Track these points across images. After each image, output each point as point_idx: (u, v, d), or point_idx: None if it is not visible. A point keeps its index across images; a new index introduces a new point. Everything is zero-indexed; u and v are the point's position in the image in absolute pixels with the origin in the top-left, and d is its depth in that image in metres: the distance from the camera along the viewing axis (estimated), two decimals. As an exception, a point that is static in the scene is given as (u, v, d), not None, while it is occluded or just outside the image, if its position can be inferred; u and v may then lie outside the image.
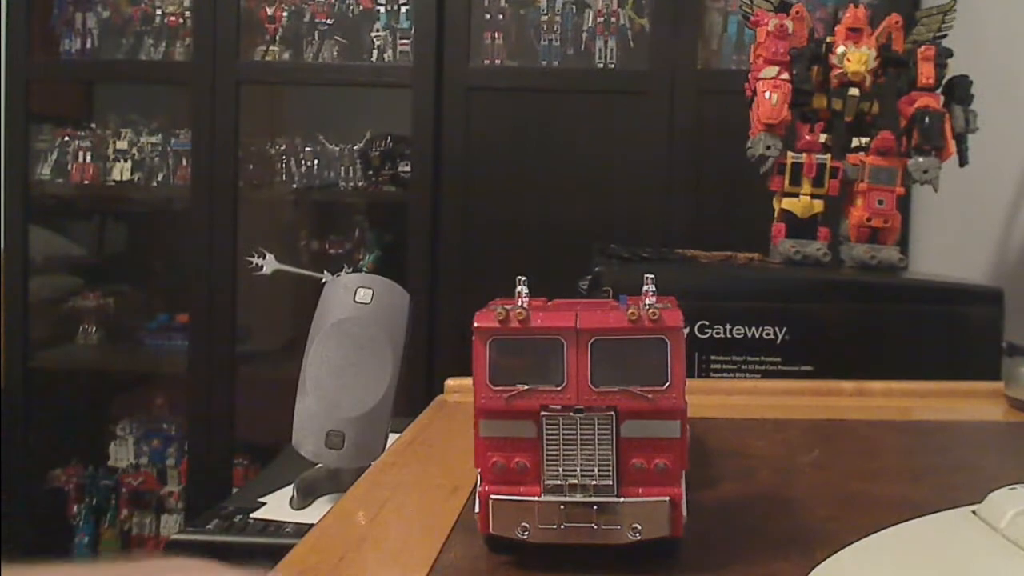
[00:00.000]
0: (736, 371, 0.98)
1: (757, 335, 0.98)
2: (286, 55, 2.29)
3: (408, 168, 2.20)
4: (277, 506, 1.01)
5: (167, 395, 2.43)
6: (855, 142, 1.17)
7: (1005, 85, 1.37)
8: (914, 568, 0.39)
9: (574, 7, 2.19)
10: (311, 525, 0.50)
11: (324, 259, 2.37)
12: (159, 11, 2.32)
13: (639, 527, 0.40)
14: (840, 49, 1.14)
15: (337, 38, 2.28)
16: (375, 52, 2.24)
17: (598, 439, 0.40)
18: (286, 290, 2.28)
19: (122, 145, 2.37)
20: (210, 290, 2.22)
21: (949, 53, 1.14)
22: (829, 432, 0.71)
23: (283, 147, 2.35)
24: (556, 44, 2.19)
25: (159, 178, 2.36)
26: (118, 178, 2.36)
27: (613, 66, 2.18)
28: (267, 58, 2.28)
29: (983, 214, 1.48)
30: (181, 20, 2.31)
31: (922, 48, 1.14)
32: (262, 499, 1.03)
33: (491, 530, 0.42)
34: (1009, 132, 1.35)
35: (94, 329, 2.45)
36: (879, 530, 0.42)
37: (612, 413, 0.40)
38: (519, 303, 0.41)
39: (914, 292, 1.06)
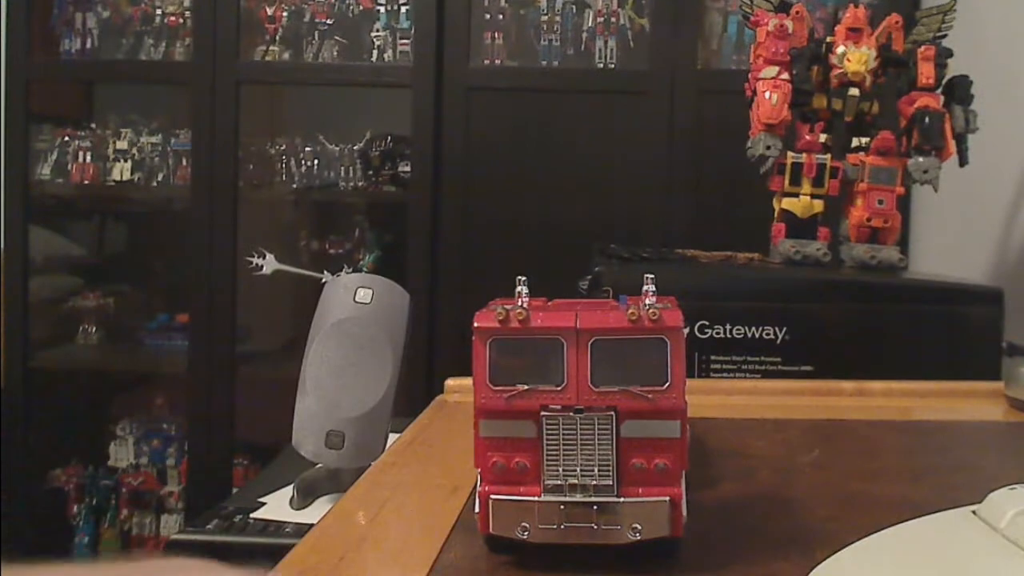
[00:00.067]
0: (736, 371, 0.98)
1: (757, 335, 0.98)
2: (286, 55, 2.29)
3: (408, 168, 2.20)
4: (277, 506, 1.01)
5: (167, 395, 2.43)
6: (855, 142, 1.17)
7: (1005, 85, 1.37)
8: (914, 568, 0.39)
9: (574, 7, 2.19)
10: (311, 525, 0.50)
11: (324, 259, 2.37)
12: (159, 11, 2.32)
13: (639, 527, 0.40)
14: (840, 49, 1.14)
15: (337, 38, 2.28)
16: (375, 52, 2.24)
17: (598, 439, 0.40)
18: (286, 290, 2.28)
19: (122, 145, 2.37)
20: (210, 290, 2.22)
21: (949, 53, 1.14)
22: (829, 432, 0.71)
23: (283, 147, 2.35)
24: (556, 44, 2.19)
25: (159, 178, 2.36)
26: (118, 178, 2.36)
27: (613, 66, 2.18)
28: (267, 58, 2.28)
29: (983, 214, 1.48)
30: (181, 20, 2.31)
31: (922, 48, 1.14)
32: (262, 499, 1.03)
33: (491, 530, 0.42)
34: (1009, 132, 1.35)
35: (94, 329, 2.45)
36: (879, 530, 0.42)
37: (612, 413, 0.40)
38: (519, 303, 0.41)
39: (914, 292, 1.06)
